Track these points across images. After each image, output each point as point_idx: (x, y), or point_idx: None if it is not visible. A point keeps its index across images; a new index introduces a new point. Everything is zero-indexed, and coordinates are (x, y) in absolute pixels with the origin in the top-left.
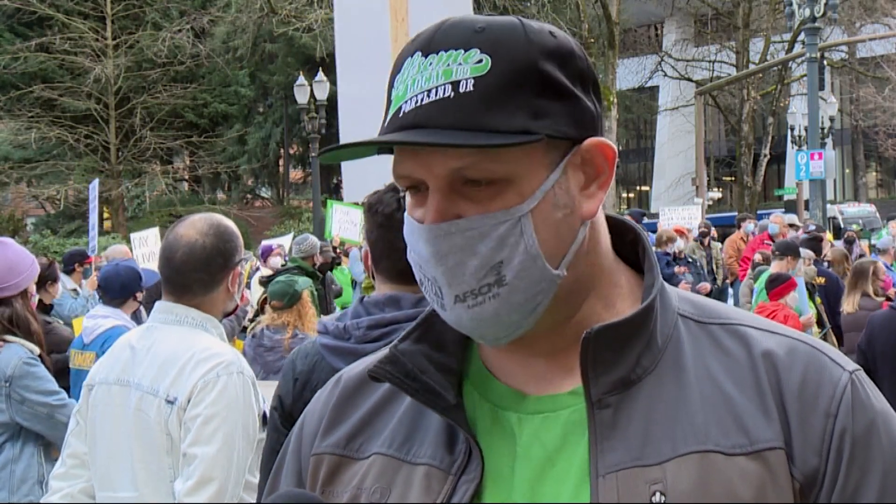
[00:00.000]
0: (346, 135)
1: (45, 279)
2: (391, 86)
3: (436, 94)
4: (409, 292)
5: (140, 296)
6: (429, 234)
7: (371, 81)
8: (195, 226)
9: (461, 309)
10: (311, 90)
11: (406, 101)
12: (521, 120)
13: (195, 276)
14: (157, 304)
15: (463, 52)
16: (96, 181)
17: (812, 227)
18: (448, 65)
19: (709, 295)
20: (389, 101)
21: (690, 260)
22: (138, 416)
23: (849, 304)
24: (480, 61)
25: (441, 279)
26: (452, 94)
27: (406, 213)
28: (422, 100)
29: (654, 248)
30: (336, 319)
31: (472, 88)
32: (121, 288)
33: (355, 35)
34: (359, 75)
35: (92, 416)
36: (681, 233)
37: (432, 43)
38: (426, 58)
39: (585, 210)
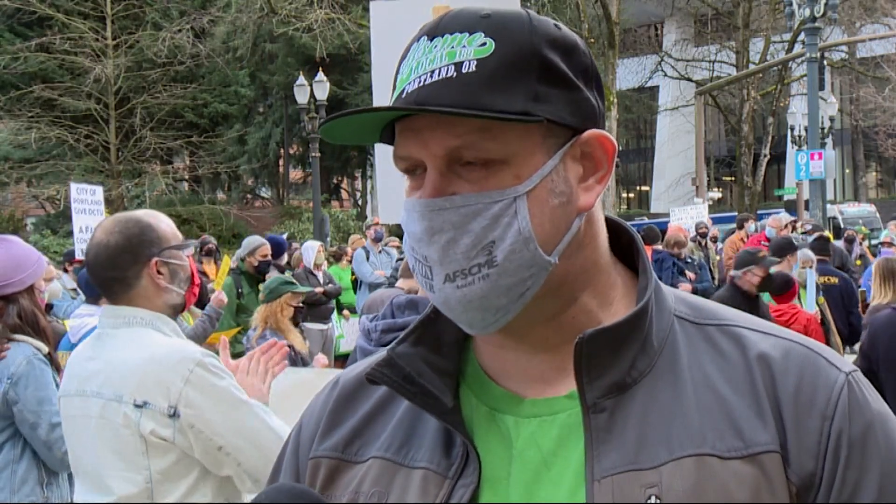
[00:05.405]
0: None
1: None
2: (397, 72)
3: (438, 75)
4: None
5: None
6: (423, 209)
7: None
8: (104, 226)
9: (450, 289)
10: (311, 90)
11: (409, 83)
12: (521, 102)
13: (107, 276)
14: (103, 308)
15: (468, 35)
16: (75, 185)
17: (809, 227)
18: (452, 47)
19: (705, 295)
20: (394, 88)
21: (689, 260)
22: (101, 424)
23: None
24: (484, 44)
25: (433, 256)
26: (455, 74)
27: (405, 199)
28: (424, 80)
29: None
30: (371, 317)
31: (474, 69)
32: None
33: (391, 26)
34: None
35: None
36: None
37: (438, 27)
38: (431, 41)
39: (582, 202)
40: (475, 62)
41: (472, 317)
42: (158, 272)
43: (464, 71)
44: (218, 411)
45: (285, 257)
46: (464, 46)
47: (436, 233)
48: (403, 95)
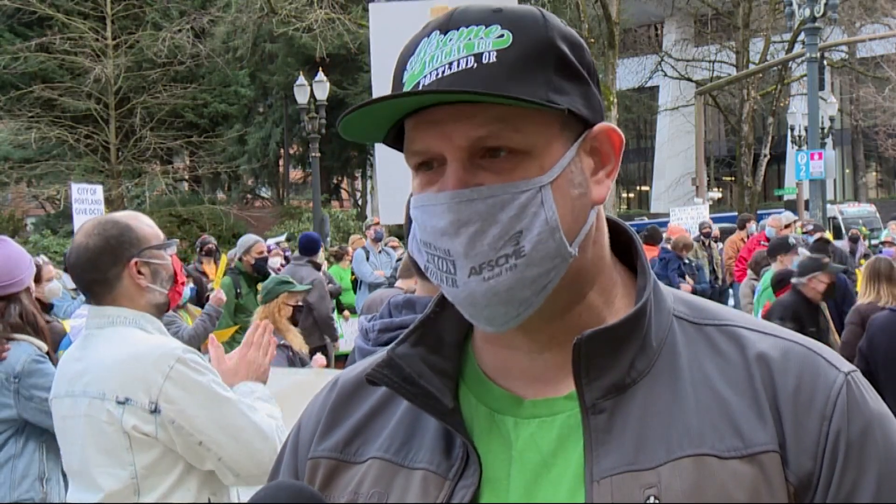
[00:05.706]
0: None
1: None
2: (402, 69)
3: (458, 66)
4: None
5: None
6: (450, 200)
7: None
8: (84, 229)
9: (476, 282)
10: (311, 90)
11: (425, 76)
12: (542, 92)
13: (88, 278)
14: (88, 309)
15: (484, 27)
16: (76, 185)
17: (810, 227)
18: (469, 39)
19: (703, 296)
20: (401, 84)
21: (688, 261)
22: (88, 421)
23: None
24: (502, 36)
25: (458, 250)
26: (475, 64)
27: (413, 195)
28: (443, 72)
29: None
30: (369, 318)
31: (494, 60)
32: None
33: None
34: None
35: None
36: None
37: (451, 22)
38: (445, 34)
39: (595, 195)
40: (495, 53)
41: (495, 312)
42: (139, 272)
43: (484, 62)
44: (198, 407)
45: (321, 254)
46: (481, 38)
47: (463, 224)
48: (419, 89)
